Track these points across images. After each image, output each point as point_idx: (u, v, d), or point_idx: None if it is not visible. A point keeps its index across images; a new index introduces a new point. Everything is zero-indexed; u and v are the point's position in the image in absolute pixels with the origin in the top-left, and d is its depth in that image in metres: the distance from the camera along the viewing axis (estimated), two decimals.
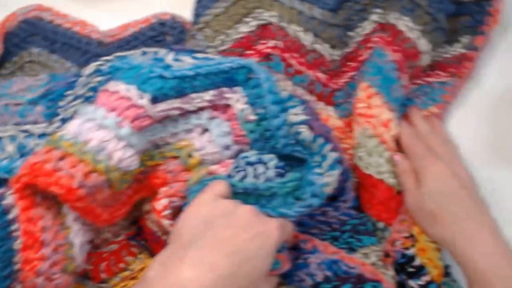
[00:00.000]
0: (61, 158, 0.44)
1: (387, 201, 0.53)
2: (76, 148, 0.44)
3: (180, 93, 0.49)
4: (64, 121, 0.50)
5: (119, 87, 0.47)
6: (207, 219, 0.44)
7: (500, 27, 0.61)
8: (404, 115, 0.58)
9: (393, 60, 0.56)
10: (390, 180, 0.54)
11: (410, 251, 0.52)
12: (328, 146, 0.49)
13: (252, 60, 0.52)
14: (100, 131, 0.45)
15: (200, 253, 0.41)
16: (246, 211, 0.44)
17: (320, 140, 0.49)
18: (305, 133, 0.49)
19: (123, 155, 0.46)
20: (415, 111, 0.58)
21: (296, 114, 0.49)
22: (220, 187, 0.47)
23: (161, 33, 0.62)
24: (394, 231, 0.53)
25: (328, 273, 0.48)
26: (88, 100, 0.51)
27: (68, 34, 0.62)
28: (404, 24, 0.57)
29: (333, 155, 0.49)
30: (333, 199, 0.53)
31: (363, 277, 0.48)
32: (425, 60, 0.58)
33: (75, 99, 0.51)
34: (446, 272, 0.54)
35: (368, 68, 0.57)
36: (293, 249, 0.50)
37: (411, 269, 0.52)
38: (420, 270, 0.52)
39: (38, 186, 0.43)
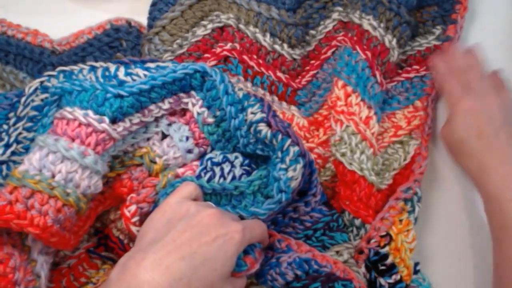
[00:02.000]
0: (30, 196, 0.44)
1: (366, 198, 0.55)
2: (44, 184, 0.44)
3: (139, 108, 0.50)
4: (8, 146, 0.49)
5: (76, 113, 0.47)
6: (169, 222, 0.45)
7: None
8: (441, 50, 0.60)
9: (364, 58, 0.57)
10: (372, 178, 0.55)
11: (384, 250, 0.53)
12: (288, 141, 0.50)
13: (204, 63, 0.52)
14: (64, 162, 0.45)
15: (157, 256, 0.42)
16: (208, 214, 0.45)
17: (280, 136, 0.50)
18: (265, 130, 0.50)
19: (89, 183, 0.46)
20: (451, 45, 0.60)
21: (253, 113, 0.50)
22: (188, 189, 0.48)
23: (116, 39, 0.61)
24: (372, 229, 0.54)
25: (299, 272, 0.49)
26: (32, 120, 0.51)
27: (20, 44, 0.61)
28: (368, 23, 0.58)
29: (294, 149, 0.50)
30: (303, 194, 0.54)
31: (334, 276, 0.49)
32: (394, 55, 0.59)
33: (17, 121, 0.50)
34: (415, 270, 0.56)
35: (342, 67, 0.57)
36: (269, 249, 0.51)
37: (382, 267, 0.53)
38: (391, 269, 0.53)
39: (11, 227, 0.43)
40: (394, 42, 0.58)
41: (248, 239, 0.46)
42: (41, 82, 0.51)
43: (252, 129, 0.50)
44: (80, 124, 0.46)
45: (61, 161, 0.45)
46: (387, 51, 0.58)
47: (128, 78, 0.50)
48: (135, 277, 0.41)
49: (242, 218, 0.49)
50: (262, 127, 0.50)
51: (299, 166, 0.49)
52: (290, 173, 0.49)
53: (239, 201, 0.51)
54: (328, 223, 0.54)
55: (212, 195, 0.51)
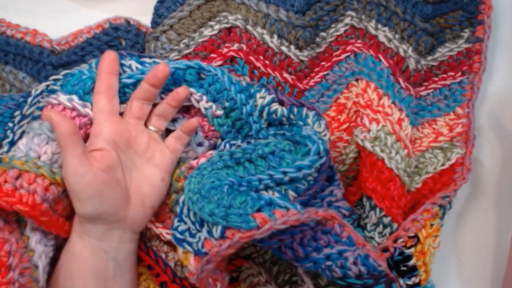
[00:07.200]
0: (18, 177, 0.48)
1: (398, 197, 0.58)
2: (30, 164, 0.48)
3: (124, 99, 0.54)
4: (12, 144, 0.52)
5: (60, 98, 0.51)
6: None
7: None
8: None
9: (387, 66, 0.61)
10: (405, 178, 0.58)
11: (409, 251, 0.56)
12: (305, 109, 0.54)
13: (198, 61, 0.56)
14: (50, 144, 0.49)
15: None
16: None
17: (296, 108, 0.54)
18: (279, 109, 0.54)
19: None
20: None
21: (262, 97, 0.55)
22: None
23: (115, 37, 0.64)
24: (401, 228, 0.57)
25: (363, 269, 0.49)
26: (36, 119, 0.53)
27: (20, 44, 0.63)
28: (384, 35, 0.63)
29: (312, 112, 0.54)
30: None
31: (391, 278, 0.51)
32: (412, 63, 0.63)
33: (22, 119, 0.53)
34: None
35: (370, 71, 0.61)
36: (325, 233, 0.51)
37: (404, 268, 0.56)
38: (412, 271, 0.56)
39: (2, 207, 0.47)
40: (410, 50, 0.62)
41: None
42: (47, 86, 0.54)
43: (264, 113, 0.55)
44: (64, 108, 0.51)
45: (46, 143, 0.49)
46: (403, 60, 0.62)
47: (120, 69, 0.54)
48: None
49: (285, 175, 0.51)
50: (276, 106, 0.54)
51: (323, 123, 0.54)
52: (317, 128, 0.53)
53: (278, 162, 0.53)
54: (358, 216, 0.58)
55: (246, 163, 0.53)
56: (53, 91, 0.54)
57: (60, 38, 0.65)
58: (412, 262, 0.56)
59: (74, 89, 0.52)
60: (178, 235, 0.50)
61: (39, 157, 0.49)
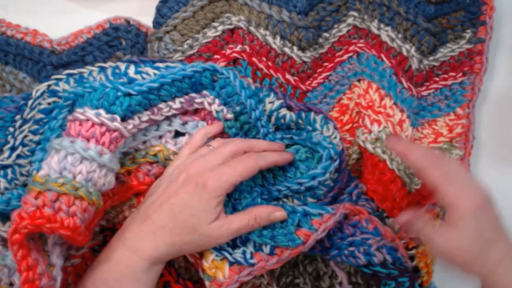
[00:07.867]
0: (56, 199, 0.47)
1: (400, 198, 0.58)
2: (68, 187, 0.47)
3: (147, 106, 0.53)
4: (14, 149, 0.52)
5: (88, 113, 0.50)
6: (165, 174, 0.54)
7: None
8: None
9: (390, 66, 0.61)
10: (406, 180, 0.59)
11: (411, 252, 0.57)
12: (312, 113, 0.56)
13: (213, 63, 0.56)
14: (83, 163, 0.49)
15: (147, 210, 0.51)
16: (194, 164, 0.51)
17: (304, 113, 0.56)
18: (288, 114, 0.56)
19: (105, 180, 0.50)
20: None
21: (271, 102, 0.56)
22: (199, 134, 0.55)
23: (115, 37, 0.64)
24: (403, 230, 0.56)
25: (388, 258, 0.51)
26: (38, 123, 0.53)
27: (20, 44, 0.63)
28: (386, 34, 0.63)
29: (319, 116, 0.56)
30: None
31: (413, 275, 0.52)
32: (414, 62, 0.63)
33: (23, 123, 0.53)
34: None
35: (372, 72, 0.61)
36: (353, 226, 0.53)
37: None
38: (414, 272, 0.56)
39: (43, 231, 0.46)
40: (412, 50, 0.62)
41: (232, 180, 0.50)
42: (48, 86, 0.54)
43: (273, 118, 0.56)
44: (93, 124, 0.50)
45: (80, 162, 0.48)
46: (406, 59, 0.62)
47: (138, 76, 0.53)
48: (125, 230, 0.52)
49: (301, 185, 0.53)
50: (284, 111, 0.55)
51: (331, 126, 0.55)
52: (326, 133, 0.55)
53: (294, 173, 0.55)
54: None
55: (264, 171, 0.55)
56: (54, 92, 0.53)
57: (60, 38, 0.65)
58: (413, 263, 0.56)
59: (100, 103, 0.51)
60: None
61: (74, 177, 0.48)
